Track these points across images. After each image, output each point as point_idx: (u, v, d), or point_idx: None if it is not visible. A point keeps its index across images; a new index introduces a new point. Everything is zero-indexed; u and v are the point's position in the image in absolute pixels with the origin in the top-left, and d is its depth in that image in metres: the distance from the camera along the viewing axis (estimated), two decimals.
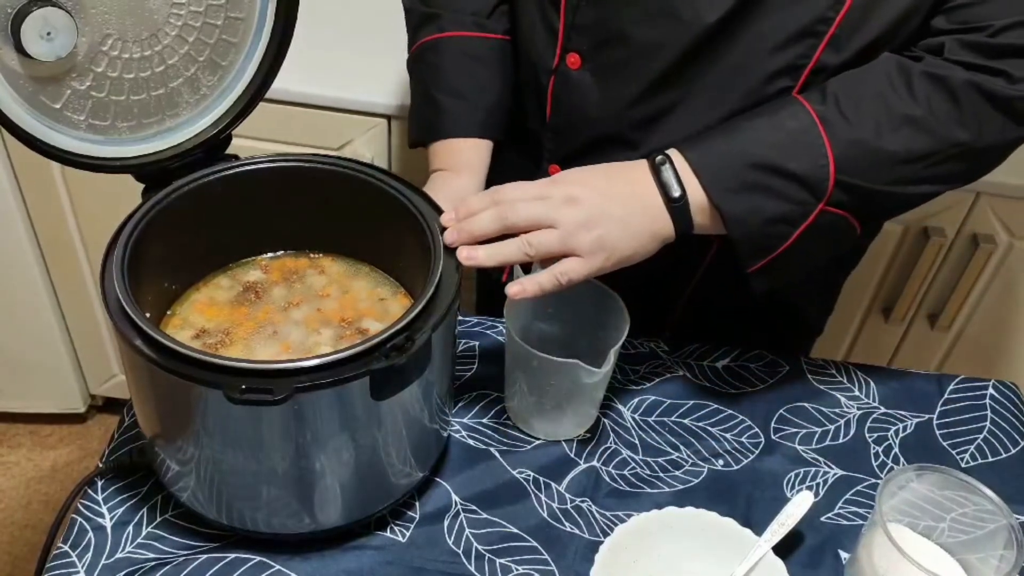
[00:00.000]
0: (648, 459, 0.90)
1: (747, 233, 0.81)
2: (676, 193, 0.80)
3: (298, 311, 0.84)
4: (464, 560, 0.80)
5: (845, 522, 0.86)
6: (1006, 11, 0.77)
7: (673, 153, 0.81)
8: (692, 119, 0.87)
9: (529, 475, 0.87)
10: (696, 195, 0.80)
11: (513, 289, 0.78)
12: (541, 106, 0.96)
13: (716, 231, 0.82)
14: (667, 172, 0.80)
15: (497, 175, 0.96)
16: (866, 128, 0.79)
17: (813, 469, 0.90)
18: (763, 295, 0.86)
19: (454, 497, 0.84)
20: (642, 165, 0.82)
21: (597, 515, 0.84)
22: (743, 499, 0.86)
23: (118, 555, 0.78)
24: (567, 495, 0.85)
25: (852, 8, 0.79)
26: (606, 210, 0.78)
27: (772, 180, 0.79)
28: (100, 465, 0.84)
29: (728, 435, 0.93)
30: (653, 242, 0.81)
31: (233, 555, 0.78)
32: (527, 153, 1.01)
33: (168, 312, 0.83)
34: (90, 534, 0.79)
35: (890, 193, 0.82)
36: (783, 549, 0.80)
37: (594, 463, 0.89)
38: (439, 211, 0.80)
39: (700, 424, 0.94)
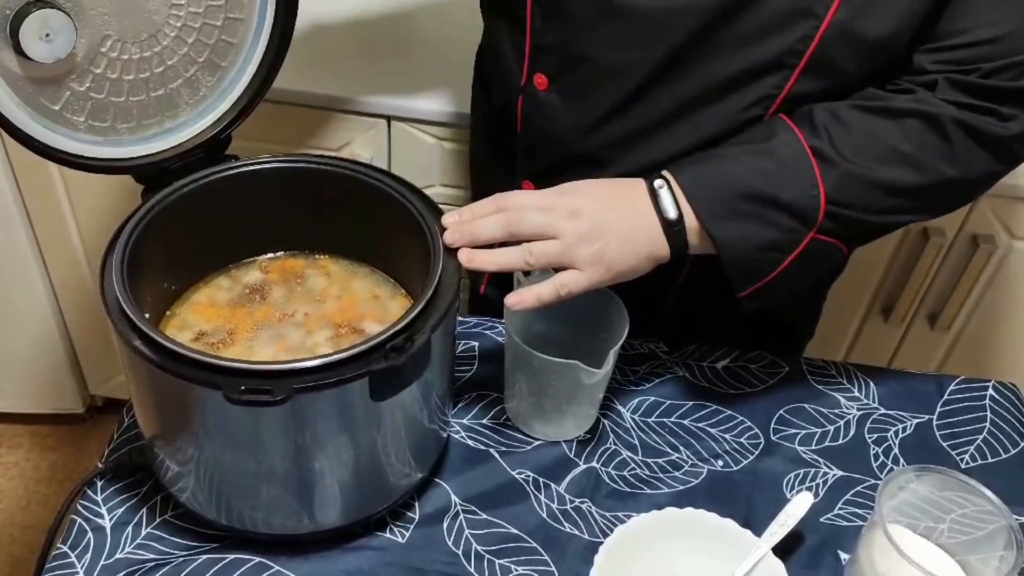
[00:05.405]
0: (648, 460, 0.90)
1: (739, 259, 0.81)
2: (672, 215, 0.80)
3: (298, 312, 0.84)
4: (464, 561, 0.80)
5: (845, 523, 0.86)
6: (996, 53, 0.78)
7: (669, 176, 0.81)
8: (665, 141, 0.86)
9: (529, 476, 0.87)
10: (691, 219, 0.81)
11: (512, 300, 0.78)
12: (512, 123, 0.96)
13: (709, 251, 0.83)
14: (664, 195, 0.80)
15: (487, 186, 0.96)
16: (857, 162, 0.80)
17: (813, 470, 0.90)
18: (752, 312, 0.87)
19: (454, 498, 0.84)
20: (641, 185, 0.82)
21: (597, 516, 0.84)
22: (743, 500, 0.86)
23: (117, 556, 0.78)
24: (567, 496, 0.85)
25: (823, 41, 0.78)
26: (608, 224, 0.78)
27: (763, 209, 0.80)
28: (100, 465, 0.84)
29: (728, 436, 0.93)
30: (649, 261, 0.81)
31: (233, 556, 0.78)
32: (504, 166, 1.01)
33: (168, 313, 0.83)
34: (89, 535, 0.79)
35: (877, 222, 0.83)
36: (783, 550, 0.80)
37: (594, 464, 0.89)
38: (439, 211, 0.80)
39: (700, 425, 0.93)
